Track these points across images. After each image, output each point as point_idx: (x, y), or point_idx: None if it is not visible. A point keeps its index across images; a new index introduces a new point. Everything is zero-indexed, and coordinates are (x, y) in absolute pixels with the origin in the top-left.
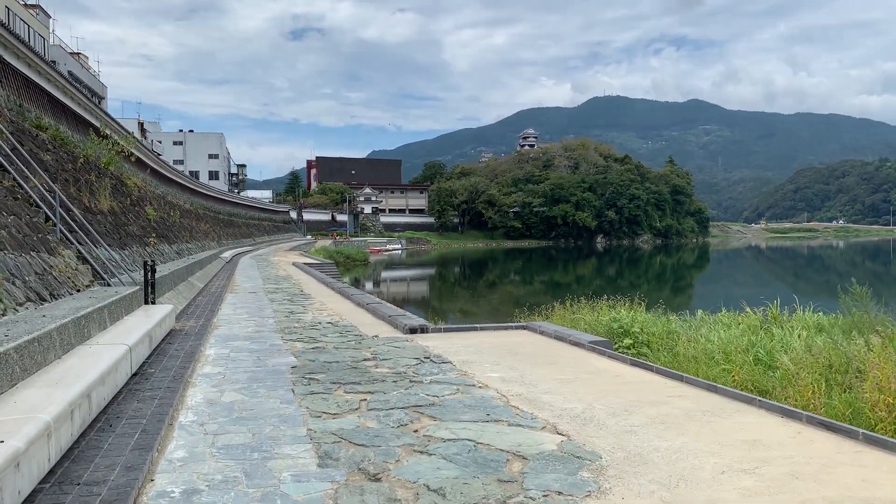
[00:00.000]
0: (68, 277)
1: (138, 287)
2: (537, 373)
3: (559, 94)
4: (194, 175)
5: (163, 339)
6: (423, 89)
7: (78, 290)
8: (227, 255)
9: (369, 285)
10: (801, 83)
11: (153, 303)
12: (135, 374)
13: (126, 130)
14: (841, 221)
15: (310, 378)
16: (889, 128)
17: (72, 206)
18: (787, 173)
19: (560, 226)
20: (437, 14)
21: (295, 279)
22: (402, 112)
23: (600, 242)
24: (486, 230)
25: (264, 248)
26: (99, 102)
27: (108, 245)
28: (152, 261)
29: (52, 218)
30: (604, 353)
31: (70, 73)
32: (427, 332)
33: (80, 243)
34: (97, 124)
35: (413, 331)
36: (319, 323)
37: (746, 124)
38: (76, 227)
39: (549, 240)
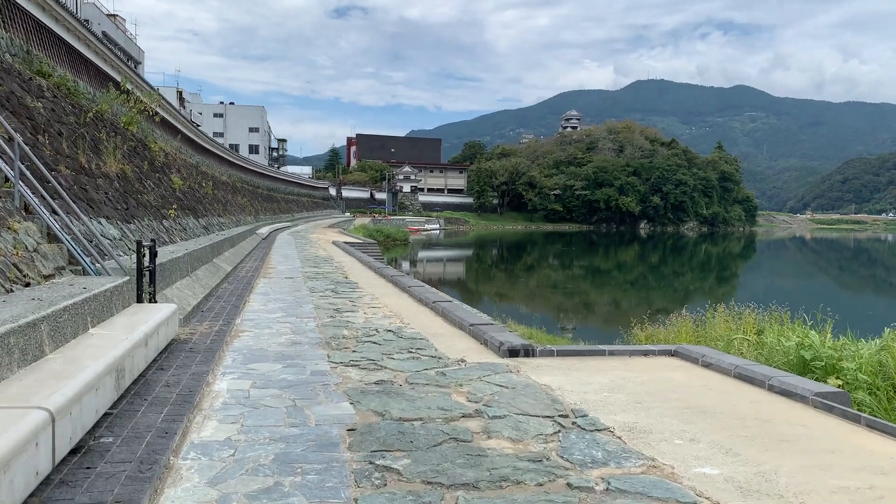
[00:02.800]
0: (13, 265)
1: (128, 278)
2: (783, 466)
3: (601, 76)
4: (234, 148)
5: (153, 362)
6: (464, 70)
7: (27, 285)
8: (264, 230)
9: (406, 265)
10: (852, 71)
11: (152, 300)
12: (74, 451)
13: (152, 87)
14: (891, 214)
15: (384, 467)
16: None
17: (48, 165)
18: (834, 163)
19: (602, 210)
20: None
21: (337, 261)
22: (442, 92)
23: (644, 228)
24: (525, 212)
25: (303, 225)
26: (135, 67)
27: (107, 217)
28: (152, 240)
29: (12, 178)
30: (856, 418)
31: (104, 33)
32: (534, 356)
33: (53, 213)
34: (118, 78)
35: (513, 353)
36: (376, 330)
37: (793, 112)
38: (50, 193)
39: (590, 224)
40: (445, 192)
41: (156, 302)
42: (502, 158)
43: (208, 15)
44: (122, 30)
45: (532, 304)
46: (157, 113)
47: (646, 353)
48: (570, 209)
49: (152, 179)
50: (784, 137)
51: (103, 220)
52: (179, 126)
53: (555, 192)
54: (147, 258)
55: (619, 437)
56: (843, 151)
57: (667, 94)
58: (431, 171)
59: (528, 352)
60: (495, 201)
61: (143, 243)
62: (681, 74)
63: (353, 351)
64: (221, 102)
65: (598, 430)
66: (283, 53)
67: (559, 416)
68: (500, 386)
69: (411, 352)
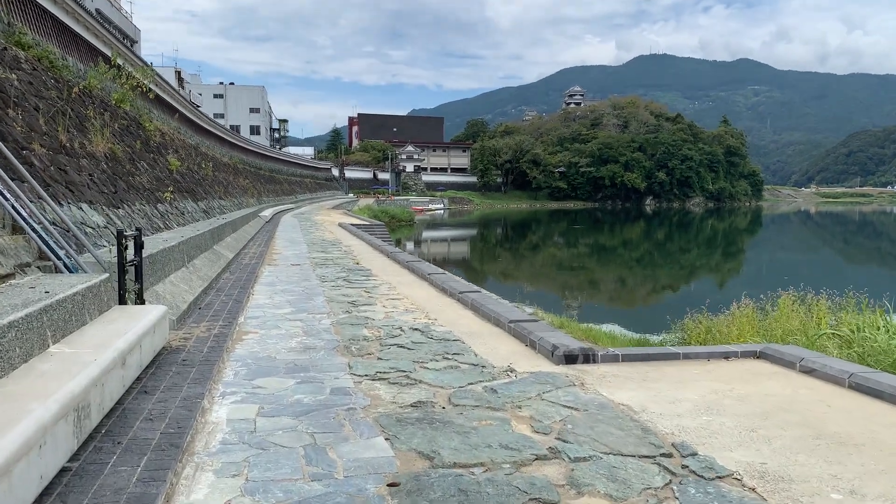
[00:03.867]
0: None
1: (107, 275)
2: None
3: (603, 52)
4: (235, 129)
5: (136, 381)
6: (465, 47)
7: None
8: (268, 213)
9: (410, 245)
10: (857, 42)
11: (138, 300)
12: None
13: (146, 63)
14: None
15: None
16: None
17: (17, 143)
18: (839, 136)
19: (607, 187)
20: None
21: (346, 245)
22: (443, 70)
23: (649, 205)
24: (529, 190)
25: (306, 206)
26: (131, 46)
27: (90, 202)
28: (137, 228)
29: None
30: None
31: (98, 10)
32: (596, 362)
33: (17, 198)
34: (108, 52)
35: (570, 359)
36: (401, 329)
37: (797, 85)
38: (17, 175)
39: (595, 201)
40: (449, 171)
41: (143, 302)
42: (505, 136)
43: None
44: (117, 7)
45: (538, 282)
46: (151, 90)
47: (726, 356)
48: (574, 186)
49: (146, 160)
50: (788, 111)
51: (85, 206)
52: (177, 105)
53: (559, 169)
54: (131, 250)
55: (754, 490)
56: (848, 124)
57: (669, 68)
58: (434, 150)
59: (588, 357)
60: (499, 180)
61: (126, 232)
62: (683, 49)
63: (378, 358)
64: (221, 83)
65: (719, 476)
66: (283, 34)
67: (661, 455)
68: (569, 408)
69: (447, 358)
